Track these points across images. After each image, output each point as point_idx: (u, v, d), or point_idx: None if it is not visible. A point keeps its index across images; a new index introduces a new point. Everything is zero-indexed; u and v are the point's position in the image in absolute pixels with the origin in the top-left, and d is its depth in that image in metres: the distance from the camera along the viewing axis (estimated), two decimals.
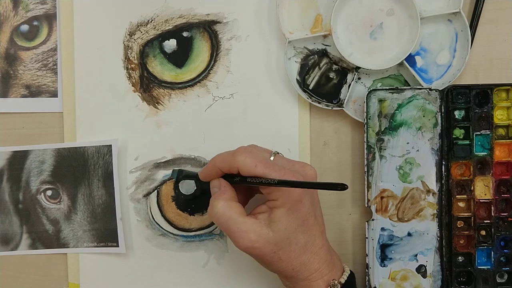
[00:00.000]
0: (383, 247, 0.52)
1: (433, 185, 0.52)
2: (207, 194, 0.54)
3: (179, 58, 0.54)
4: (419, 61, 0.53)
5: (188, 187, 0.54)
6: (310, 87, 0.53)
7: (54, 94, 0.55)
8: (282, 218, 0.44)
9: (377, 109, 0.52)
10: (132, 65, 0.54)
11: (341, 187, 0.39)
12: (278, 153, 0.47)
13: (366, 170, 0.52)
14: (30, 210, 0.55)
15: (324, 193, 0.54)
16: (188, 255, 0.55)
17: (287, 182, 0.42)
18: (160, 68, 0.54)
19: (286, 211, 0.44)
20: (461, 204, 0.52)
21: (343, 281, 0.46)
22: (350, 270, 0.47)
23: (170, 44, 0.54)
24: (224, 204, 0.45)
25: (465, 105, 0.51)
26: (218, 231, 0.55)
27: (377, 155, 0.52)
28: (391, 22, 0.52)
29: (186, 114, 0.54)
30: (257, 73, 0.54)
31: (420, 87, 0.52)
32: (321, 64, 0.54)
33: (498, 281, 0.52)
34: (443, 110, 0.52)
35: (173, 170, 0.52)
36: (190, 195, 0.54)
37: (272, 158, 0.45)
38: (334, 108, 0.53)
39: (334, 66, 0.54)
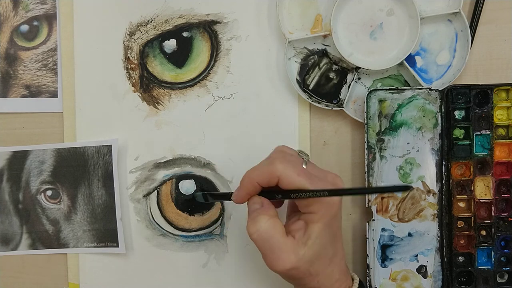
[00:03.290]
0: (384, 248, 0.52)
1: (434, 185, 0.52)
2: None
3: (179, 58, 0.54)
4: (419, 61, 0.53)
5: (188, 187, 0.54)
6: (310, 87, 0.53)
7: (54, 94, 0.55)
8: (319, 234, 0.41)
9: (377, 109, 0.52)
10: (132, 65, 0.54)
11: (405, 188, 0.37)
12: (303, 157, 0.44)
13: (366, 170, 0.52)
14: (30, 210, 0.55)
15: None
16: (188, 255, 0.55)
17: (341, 191, 0.40)
18: (160, 68, 0.54)
19: (323, 226, 0.41)
20: (461, 204, 0.52)
21: None
22: (358, 277, 0.47)
23: (170, 44, 0.54)
24: (269, 221, 0.41)
25: (465, 105, 0.51)
26: (218, 231, 0.55)
27: (377, 155, 0.52)
28: (391, 22, 0.52)
29: (186, 114, 0.54)
30: (257, 73, 0.54)
31: (420, 87, 0.52)
32: (321, 64, 0.54)
33: (498, 281, 0.52)
34: (443, 110, 0.52)
35: (196, 194, 0.52)
36: (190, 195, 0.54)
37: (304, 165, 0.43)
38: (334, 108, 0.53)
39: (334, 66, 0.54)
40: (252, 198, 0.44)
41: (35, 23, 0.54)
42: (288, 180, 0.41)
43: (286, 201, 0.48)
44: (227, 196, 0.47)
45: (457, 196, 0.51)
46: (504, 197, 0.51)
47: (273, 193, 0.42)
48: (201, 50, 0.54)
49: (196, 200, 0.53)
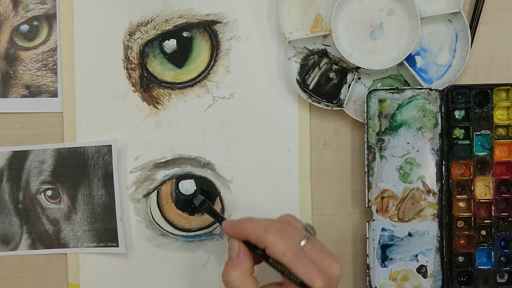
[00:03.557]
0: (384, 248, 0.52)
1: (434, 185, 0.52)
2: (207, 194, 0.54)
3: (179, 58, 0.54)
4: (419, 61, 0.53)
5: (188, 187, 0.54)
6: (310, 87, 0.53)
7: (54, 94, 0.55)
8: None
9: (377, 109, 0.52)
10: (132, 65, 0.54)
11: None
12: (310, 232, 0.43)
13: (366, 170, 0.52)
14: (30, 210, 0.55)
15: (324, 193, 0.54)
16: (188, 255, 0.55)
17: None
18: (160, 68, 0.54)
19: None
20: (461, 204, 0.52)
21: None
22: None
23: (170, 44, 0.54)
24: (240, 276, 0.42)
25: (465, 105, 0.51)
26: (218, 231, 0.55)
27: (377, 155, 0.52)
28: (391, 22, 0.52)
29: (186, 114, 0.54)
30: (257, 73, 0.54)
31: (420, 87, 0.52)
32: (321, 64, 0.54)
33: (498, 281, 0.52)
34: (443, 110, 0.52)
35: (197, 196, 0.51)
36: (190, 195, 0.54)
37: (303, 242, 0.42)
38: (334, 108, 0.53)
39: (334, 66, 0.54)
40: (232, 241, 0.44)
41: (35, 23, 0.54)
42: (272, 253, 0.41)
43: None
44: (218, 218, 0.48)
45: (457, 196, 0.51)
46: (504, 197, 0.51)
47: (256, 247, 0.42)
48: (201, 50, 0.54)
49: (193, 199, 0.53)
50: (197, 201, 0.50)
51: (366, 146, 0.52)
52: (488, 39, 0.54)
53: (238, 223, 0.43)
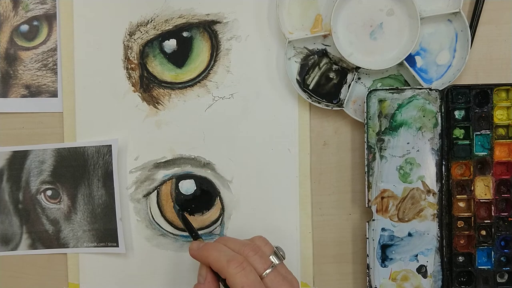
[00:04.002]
0: (384, 248, 0.52)
1: (433, 185, 0.52)
2: (207, 194, 0.54)
3: (179, 58, 0.54)
4: (419, 61, 0.53)
5: (188, 187, 0.54)
6: (310, 87, 0.53)
7: (54, 94, 0.55)
8: None
9: (377, 109, 0.52)
10: (132, 65, 0.54)
11: None
12: (279, 258, 0.45)
13: (366, 170, 0.52)
14: (30, 210, 0.55)
15: (324, 193, 0.54)
16: (188, 255, 0.54)
17: None
18: (160, 68, 0.54)
19: None
20: (461, 204, 0.52)
21: None
22: None
23: (170, 44, 0.54)
24: None
25: (465, 105, 0.51)
26: (218, 231, 0.55)
27: (377, 155, 0.52)
28: (391, 22, 0.52)
29: (186, 114, 0.54)
30: (257, 73, 0.54)
31: (420, 87, 0.52)
32: (321, 64, 0.54)
33: (498, 281, 0.52)
34: (443, 110, 0.52)
35: (175, 207, 0.54)
36: (190, 195, 0.54)
37: (268, 271, 0.43)
38: (334, 108, 0.53)
39: (334, 66, 0.54)
40: (203, 266, 0.45)
41: (35, 23, 0.54)
42: (232, 286, 0.41)
43: None
44: (193, 235, 0.49)
45: (457, 196, 0.51)
46: (504, 197, 0.51)
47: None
48: (201, 50, 0.54)
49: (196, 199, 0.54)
50: (176, 211, 0.53)
51: (366, 146, 0.52)
52: (488, 39, 0.54)
53: (204, 248, 0.44)
